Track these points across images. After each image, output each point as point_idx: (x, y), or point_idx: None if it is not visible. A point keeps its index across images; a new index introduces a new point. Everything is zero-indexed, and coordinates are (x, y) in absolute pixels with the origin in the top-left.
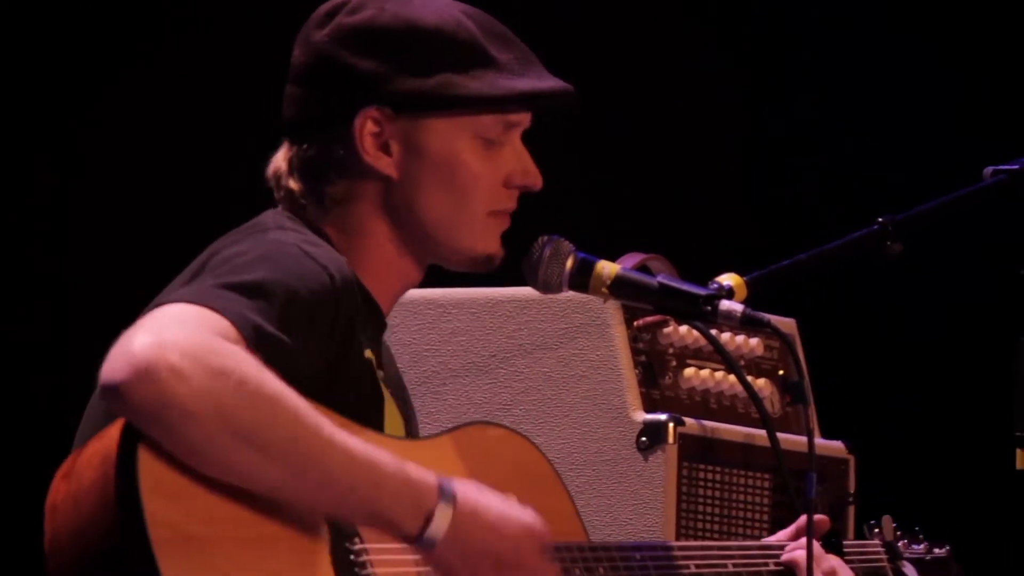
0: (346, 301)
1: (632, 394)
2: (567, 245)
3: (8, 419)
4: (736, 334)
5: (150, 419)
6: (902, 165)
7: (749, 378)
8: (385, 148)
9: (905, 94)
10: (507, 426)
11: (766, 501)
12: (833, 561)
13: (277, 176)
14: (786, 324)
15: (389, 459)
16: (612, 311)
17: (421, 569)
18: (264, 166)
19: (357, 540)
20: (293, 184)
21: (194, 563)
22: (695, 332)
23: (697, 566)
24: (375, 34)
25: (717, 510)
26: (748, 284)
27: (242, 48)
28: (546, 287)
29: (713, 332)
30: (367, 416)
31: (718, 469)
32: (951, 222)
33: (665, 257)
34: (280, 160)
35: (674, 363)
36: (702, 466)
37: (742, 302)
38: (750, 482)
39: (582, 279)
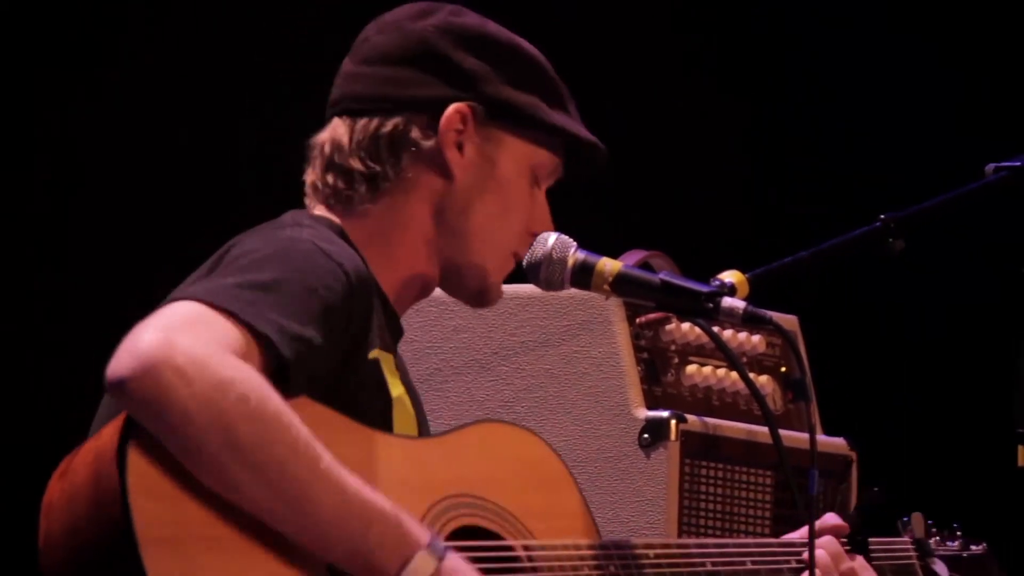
0: (360, 299)
1: (634, 391)
2: (569, 242)
3: (7, 419)
4: (738, 331)
5: (150, 415)
6: (903, 164)
7: (751, 375)
8: (460, 148)
9: (905, 93)
10: (517, 423)
11: (768, 498)
12: (855, 562)
13: (336, 150)
14: (788, 321)
15: (386, 504)
16: (614, 308)
17: None
18: (261, 166)
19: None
20: (355, 162)
21: (179, 562)
22: (697, 329)
23: (713, 564)
24: (483, 38)
25: (719, 507)
26: (750, 281)
27: (241, 49)
28: (548, 284)
29: (715, 329)
30: (374, 416)
31: (720, 466)
32: (953, 220)
33: (667, 254)
34: (340, 135)
35: (676, 360)
36: (704, 463)
37: (744, 299)
38: (752, 479)
39: (584, 276)
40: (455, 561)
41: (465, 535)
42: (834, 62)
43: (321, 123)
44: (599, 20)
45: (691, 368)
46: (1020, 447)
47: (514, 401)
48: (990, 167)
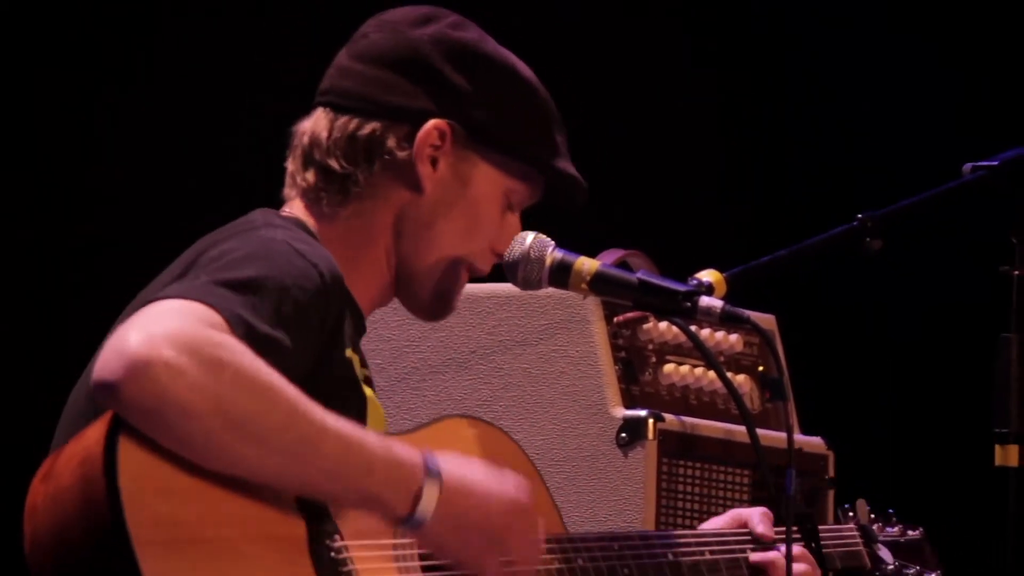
0: (334, 299)
1: (612, 390)
2: (547, 241)
3: None
4: (716, 330)
5: (147, 416)
6: (903, 163)
7: (729, 374)
8: (434, 163)
9: (906, 93)
10: (485, 420)
11: (745, 497)
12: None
13: (313, 144)
14: (766, 320)
15: (376, 441)
16: (592, 307)
17: (401, 564)
18: (258, 166)
19: (337, 537)
20: (330, 160)
21: (175, 562)
22: (675, 328)
23: (675, 554)
24: (476, 57)
25: (697, 506)
26: (728, 280)
27: (241, 50)
28: (526, 283)
29: (693, 328)
30: (347, 413)
31: (698, 465)
32: (931, 219)
33: (645, 253)
34: (320, 129)
35: (654, 359)
36: (682, 462)
37: (722, 298)
38: (730, 478)
39: (562, 275)
40: (451, 473)
41: None
42: (826, 60)
43: None
44: (584, 15)
45: (669, 367)
46: (997, 446)
47: (492, 400)
48: (967, 166)
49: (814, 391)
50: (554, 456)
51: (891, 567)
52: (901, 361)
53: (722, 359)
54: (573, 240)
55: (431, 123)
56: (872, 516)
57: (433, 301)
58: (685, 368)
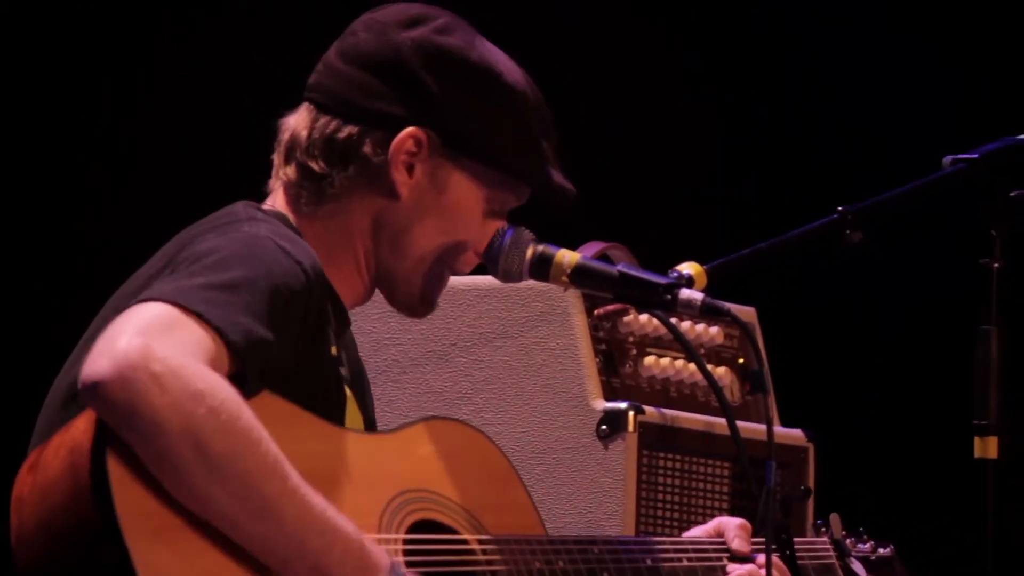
0: (318, 296)
1: (592, 382)
2: (527, 234)
3: None
4: (696, 323)
5: (122, 420)
6: (900, 163)
7: (709, 366)
8: (410, 169)
9: (906, 93)
10: (464, 421)
11: (726, 489)
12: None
13: (294, 142)
14: (746, 313)
15: (350, 527)
16: (573, 300)
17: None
18: (258, 167)
19: None
20: (308, 160)
21: (164, 551)
22: (655, 321)
23: (653, 560)
24: (457, 64)
25: (677, 498)
26: (708, 273)
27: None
28: (507, 276)
29: (673, 320)
30: (330, 411)
31: (678, 457)
32: (911, 211)
33: (625, 246)
34: (301, 126)
35: (634, 351)
36: (662, 454)
37: (702, 291)
38: (710, 470)
39: (542, 268)
40: None
41: (422, 529)
42: (825, 60)
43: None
44: (569, 13)
45: (649, 359)
46: (977, 438)
47: (472, 392)
48: (947, 159)
49: (794, 383)
50: (534, 448)
51: None
52: (880, 353)
53: (702, 351)
54: (554, 233)
55: (407, 131)
56: (844, 532)
57: (414, 301)
58: (665, 360)
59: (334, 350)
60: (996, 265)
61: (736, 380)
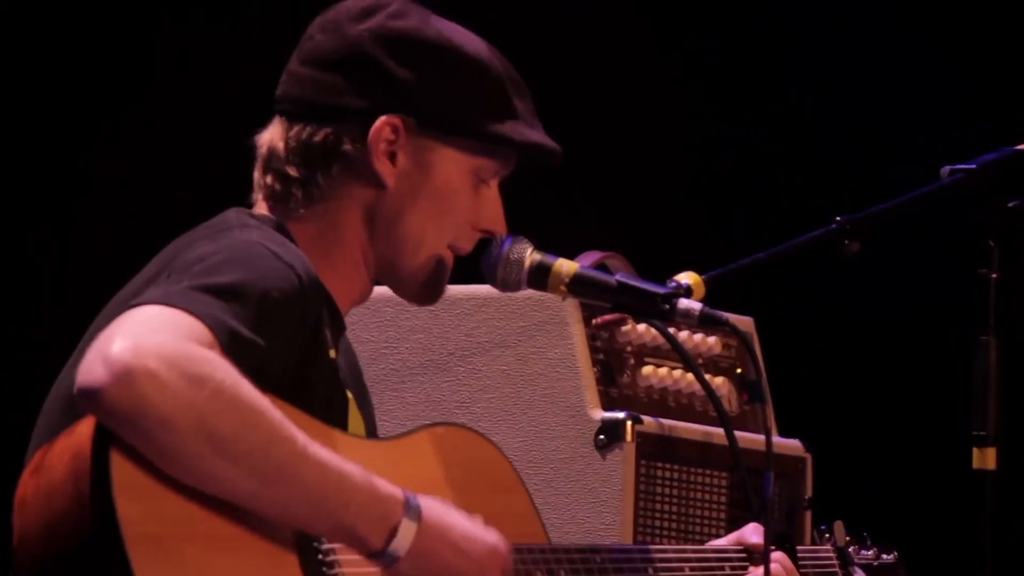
0: (312, 301)
1: (590, 392)
2: (526, 243)
3: None
4: (694, 332)
5: (127, 424)
6: (900, 165)
7: (707, 376)
8: (392, 157)
9: (907, 93)
10: (469, 427)
11: (723, 499)
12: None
13: (272, 154)
14: (744, 322)
15: (358, 473)
16: (571, 309)
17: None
18: (247, 170)
19: (324, 540)
20: (289, 168)
21: (165, 559)
22: (653, 330)
23: (655, 569)
24: (418, 46)
25: (675, 508)
26: (706, 282)
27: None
28: (505, 285)
29: (671, 330)
30: (331, 416)
31: (676, 467)
32: (909, 221)
33: (623, 255)
34: (276, 139)
35: (632, 361)
36: (660, 464)
37: (700, 300)
38: (708, 480)
39: (540, 277)
40: (432, 514)
41: None
42: (828, 61)
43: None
44: (562, 17)
45: (647, 369)
46: (975, 449)
47: (470, 402)
48: (945, 169)
49: (792, 393)
50: (532, 458)
51: None
52: (880, 363)
53: (700, 361)
54: (551, 242)
55: (381, 120)
56: (848, 539)
57: (421, 288)
58: (663, 370)
59: (332, 354)
60: (994, 275)
61: (734, 390)
